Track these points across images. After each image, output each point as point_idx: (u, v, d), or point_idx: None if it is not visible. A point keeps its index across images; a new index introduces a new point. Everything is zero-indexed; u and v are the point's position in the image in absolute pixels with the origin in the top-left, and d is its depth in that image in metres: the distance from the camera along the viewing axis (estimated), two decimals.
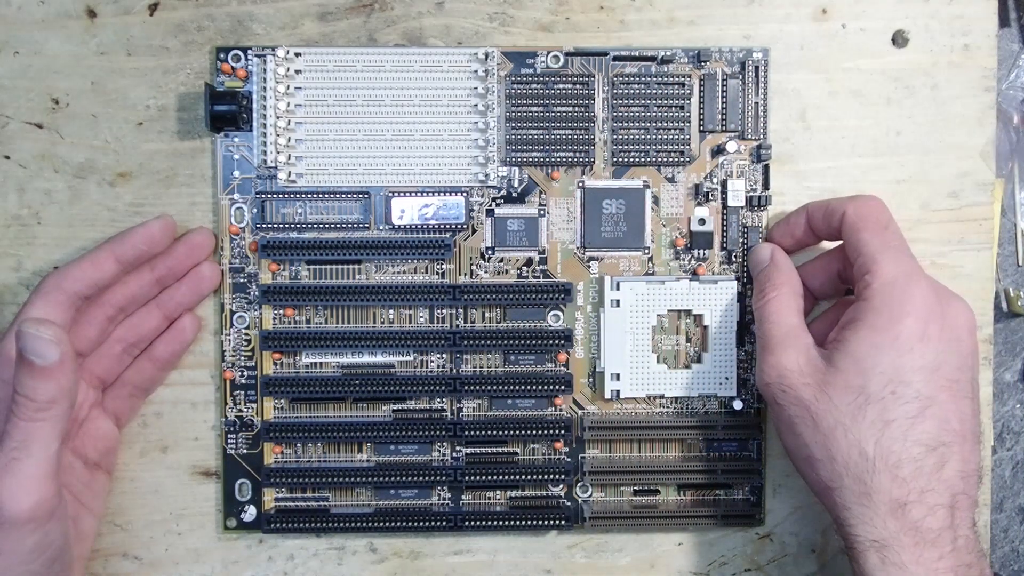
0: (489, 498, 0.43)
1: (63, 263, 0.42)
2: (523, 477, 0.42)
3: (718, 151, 0.42)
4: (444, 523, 0.42)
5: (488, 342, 0.42)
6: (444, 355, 0.42)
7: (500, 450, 0.43)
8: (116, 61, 0.42)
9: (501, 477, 0.42)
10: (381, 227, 0.42)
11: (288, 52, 0.41)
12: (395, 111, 0.41)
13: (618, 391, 0.42)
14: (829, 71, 0.43)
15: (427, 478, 0.41)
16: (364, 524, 0.42)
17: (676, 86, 0.42)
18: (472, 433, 0.42)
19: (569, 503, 0.43)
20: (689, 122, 0.42)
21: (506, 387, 0.42)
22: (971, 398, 0.36)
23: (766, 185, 0.42)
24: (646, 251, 0.42)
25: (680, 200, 0.43)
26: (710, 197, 0.42)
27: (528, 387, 0.42)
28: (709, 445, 0.43)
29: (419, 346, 0.42)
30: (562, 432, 0.42)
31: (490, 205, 0.42)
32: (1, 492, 0.33)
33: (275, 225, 0.42)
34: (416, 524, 0.42)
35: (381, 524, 0.41)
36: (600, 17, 0.42)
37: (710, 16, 0.42)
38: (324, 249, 0.41)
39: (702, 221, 0.42)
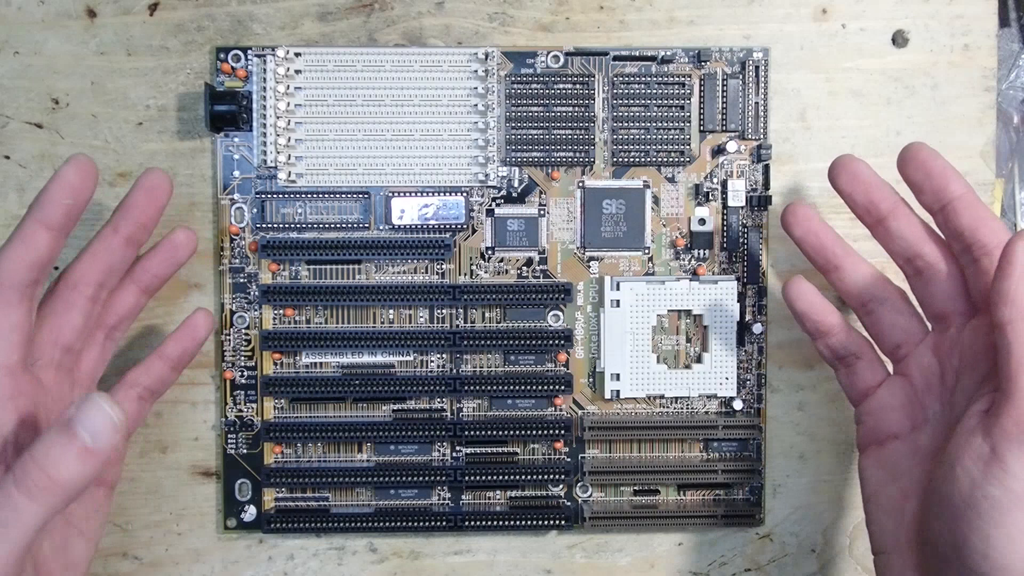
0: (489, 498, 0.43)
1: (62, 263, 0.42)
2: (523, 477, 0.42)
3: (718, 151, 0.42)
4: (444, 523, 0.42)
5: (488, 342, 0.41)
6: (444, 355, 0.42)
7: (500, 450, 0.43)
8: (116, 61, 0.42)
9: (501, 477, 0.42)
10: (381, 227, 0.42)
11: (288, 52, 0.41)
12: (395, 111, 0.41)
13: (618, 391, 0.42)
14: (829, 71, 0.43)
15: (427, 478, 0.41)
16: (364, 524, 0.42)
17: (676, 86, 0.42)
18: (472, 433, 0.42)
19: (569, 503, 0.43)
20: (689, 122, 0.42)
21: (506, 387, 0.41)
22: None
23: (766, 185, 0.42)
24: (646, 251, 0.42)
25: (680, 200, 0.42)
26: (710, 197, 0.42)
27: (528, 387, 0.41)
28: (709, 445, 0.43)
29: (419, 346, 0.42)
30: (562, 432, 0.42)
31: (490, 205, 0.42)
32: None
33: (275, 225, 0.42)
34: (416, 524, 0.42)
35: (381, 524, 0.41)
36: (600, 17, 0.42)
37: (710, 16, 0.42)
38: (324, 249, 0.41)
39: (702, 221, 0.42)
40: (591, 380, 0.43)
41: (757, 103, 0.42)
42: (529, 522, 0.42)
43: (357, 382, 0.41)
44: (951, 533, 0.32)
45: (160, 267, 0.39)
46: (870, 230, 0.38)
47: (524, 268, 0.42)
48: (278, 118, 0.41)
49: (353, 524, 0.42)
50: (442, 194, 0.42)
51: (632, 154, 0.42)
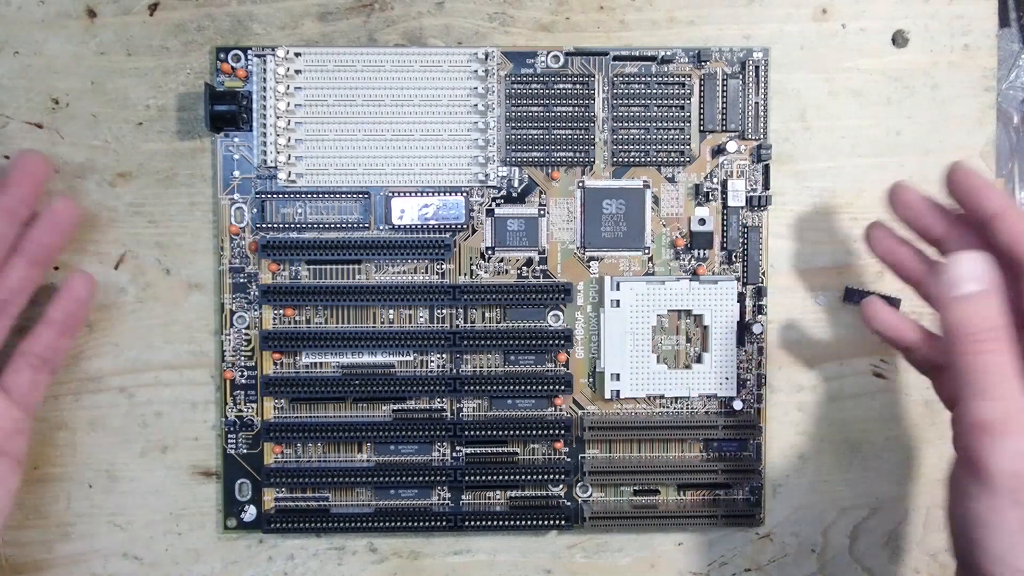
0: (489, 498, 0.43)
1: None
2: (523, 477, 0.42)
3: (718, 151, 0.42)
4: (444, 523, 0.42)
5: (488, 342, 0.41)
6: (444, 355, 0.42)
7: (500, 450, 0.43)
8: (116, 61, 0.42)
9: (501, 477, 0.42)
10: (381, 227, 0.42)
11: (288, 52, 0.41)
12: (395, 111, 0.41)
13: (618, 391, 0.42)
14: (829, 71, 0.43)
15: (427, 478, 0.41)
16: (364, 524, 0.42)
17: (676, 86, 0.42)
18: (472, 433, 0.42)
19: (569, 503, 0.43)
20: (689, 122, 0.42)
21: (506, 387, 0.41)
22: None
23: (766, 185, 0.42)
24: (646, 251, 0.42)
25: (680, 200, 0.42)
26: (710, 197, 0.42)
27: (528, 387, 0.41)
28: (709, 445, 0.43)
29: (419, 346, 0.42)
30: (562, 432, 0.42)
31: (490, 205, 0.42)
32: None
33: (275, 225, 0.42)
34: (416, 524, 0.42)
35: (381, 524, 0.41)
36: (600, 17, 0.42)
37: (710, 16, 0.42)
38: (324, 249, 0.41)
39: (702, 221, 0.42)
40: (591, 380, 0.43)
41: (757, 103, 0.42)
42: (529, 522, 0.42)
43: (357, 382, 0.41)
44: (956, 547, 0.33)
45: (45, 236, 0.39)
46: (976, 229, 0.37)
47: (524, 268, 0.42)
48: (278, 118, 0.41)
49: (353, 524, 0.42)
50: (442, 194, 0.42)
51: (632, 154, 0.42)
